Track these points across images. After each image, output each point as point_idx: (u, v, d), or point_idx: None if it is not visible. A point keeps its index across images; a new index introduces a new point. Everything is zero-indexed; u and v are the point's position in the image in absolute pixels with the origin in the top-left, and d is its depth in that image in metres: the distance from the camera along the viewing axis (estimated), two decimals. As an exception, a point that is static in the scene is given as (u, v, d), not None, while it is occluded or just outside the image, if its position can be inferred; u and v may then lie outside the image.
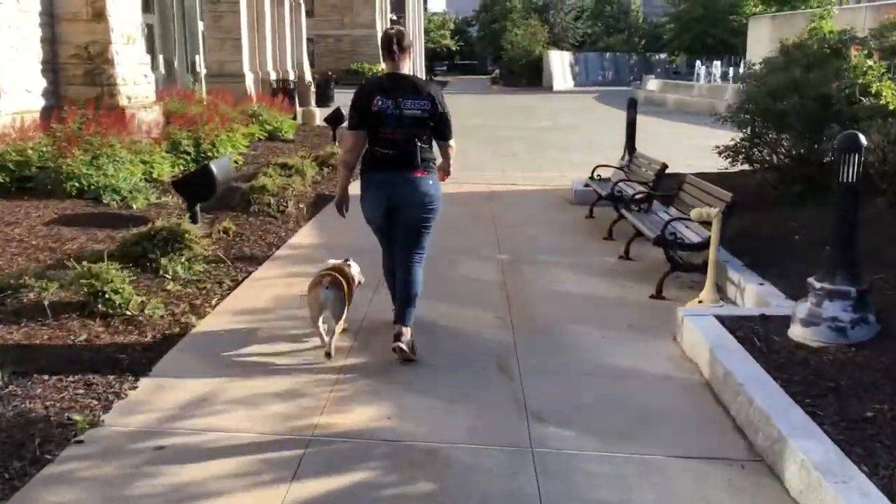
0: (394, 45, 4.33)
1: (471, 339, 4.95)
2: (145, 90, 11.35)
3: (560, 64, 51.64)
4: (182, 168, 10.21)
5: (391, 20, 59.62)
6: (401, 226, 4.47)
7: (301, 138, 16.06)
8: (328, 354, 4.41)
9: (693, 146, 15.56)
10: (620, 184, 8.12)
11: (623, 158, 10.56)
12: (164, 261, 5.84)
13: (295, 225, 8.17)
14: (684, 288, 6.08)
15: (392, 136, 4.29)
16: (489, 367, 4.49)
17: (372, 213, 4.50)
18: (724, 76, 31.24)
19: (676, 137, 17.34)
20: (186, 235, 5.92)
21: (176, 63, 21.88)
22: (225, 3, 18.98)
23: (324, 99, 26.67)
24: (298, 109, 21.61)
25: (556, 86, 49.47)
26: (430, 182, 4.42)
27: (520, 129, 19.40)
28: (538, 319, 5.35)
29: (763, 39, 11.20)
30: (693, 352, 4.64)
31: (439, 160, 4.57)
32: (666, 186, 7.98)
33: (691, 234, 5.95)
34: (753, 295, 5.45)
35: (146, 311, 5.01)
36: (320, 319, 4.44)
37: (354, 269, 4.94)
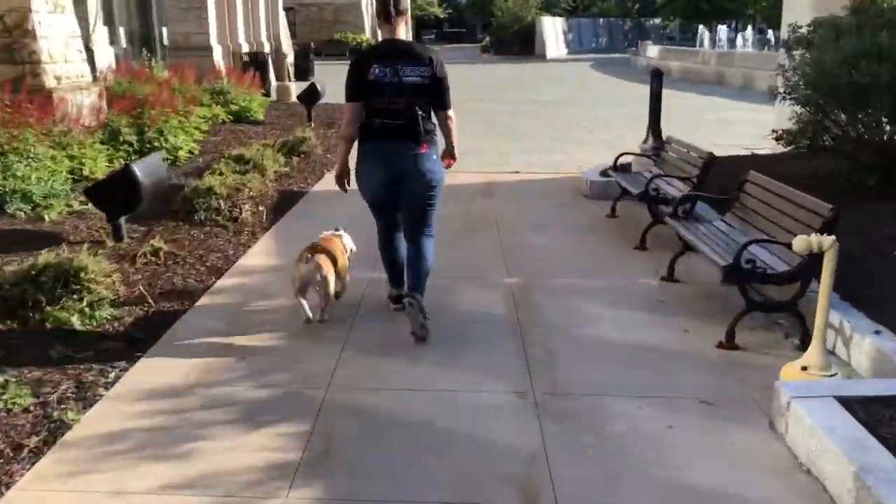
0: (390, 6, 4.14)
1: (478, 443, 3.34)
2: (79, 68, 9.62)
3: (553, 31, 49.62)
4: (124, 161, 8.56)
5: (376, -13, 57.41)
6: (406, 203, 4.36)
7: (273, 119, 14.35)
8: (309, 321, 4.41)
9: (714, 122, 13.94)
10: (657, 180, 6.49)
11: (646, 141, 8.95)
12: (52, 309, 4.24)
13: (249, 237, 6.55)
14: (758, 329, 4.53)
15: (392, 106, 4.09)
16: None
17: (371, 184, 4.32)
18: (732, 42, 29.47)
19: (692, 111, 15.69)
20: (82, 274, 4.29)
21: (138, 36, 20.08)
22: (188, -31, 17.10)
23: (303, 72, 24.84)
24: (274, 84, 19.86)
25: (549, 54, 47.50)
26: (434, 157, 4.29)
27: (516, 103, 17.70)
28: (572, 394, 3.78)
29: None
30: (811, 459, 3.09)
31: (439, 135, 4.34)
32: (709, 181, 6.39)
33: (776, 262, 4.36)
34: (871, 351, 3.89)
35: (3, 404, 3.42)
36: (301, 297, 4.37)
37: (346, 240, 4.85)
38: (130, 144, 8.85)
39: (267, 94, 17.28)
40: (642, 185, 6.84)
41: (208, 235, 6.39)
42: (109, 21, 18.09)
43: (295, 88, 19.98)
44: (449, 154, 4.49)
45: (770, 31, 31.17)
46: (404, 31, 4.29)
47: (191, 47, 17.42)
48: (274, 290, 5.13)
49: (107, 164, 8.19)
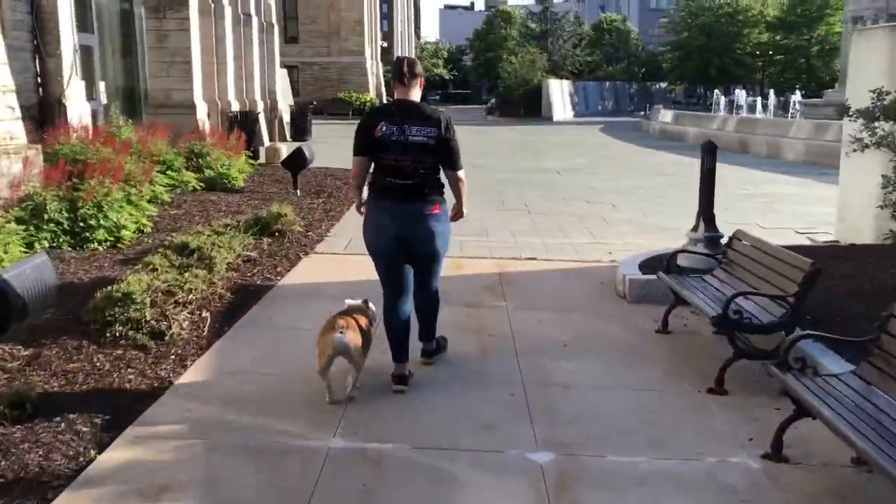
0: (405, 69, 4.30)
1: None
2: (8, 128, 8.00)
3: (560, 93, 48.71)
4: (47, 247, 6.86)
5: (382, 48, 56.91)
6: (414, 261, 4.43)
7: (254, 185, 12.73)
8: (334, 402, 4.13)
9: (753, 198, 12.22)
10: (740, 299, 4.70)
11: (695, 229, 7.23)
12: None
13: (175, 364, 4.77)
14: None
15: (396, 164, 4.17)
16: None
17: (378, 240, 4.36)
18: (752, 107, 28.15)
19: (724, 184, 14.01)
20: None
21: (122, 91, 18.70)
22: (172, 20, 15.74)
23: (300, 132, 23.43)
24: (266, 144, 18.38)
25: (556, 116, 46.46)
26: (443, 217, 4.36)
27: (527, 171, 16.11)
28: None
29: (879, 59, 7.83)
30: None
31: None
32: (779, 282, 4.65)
33: None
34: None
35: None
36: (328, 369, 4.10)
37: (372, 314, 4.56)
38: (58, 224, 7.15)
39: (254, 157, 15.74)
40: (707, 297, 5.11)
41: (117, 364, 4.62)
42: (89, 74, 16.73)
43: (287, 150, 18.51)
44: (457, 211, 4.54)
45: (795, 96, 29.97)
46: (417, 94, 4.35)
47: (172, 104, 15.95)
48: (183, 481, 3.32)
49: (21, 250, 6.48)
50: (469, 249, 8.38)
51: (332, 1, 46.08)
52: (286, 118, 23.68)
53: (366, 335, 4.31)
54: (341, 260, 7.92)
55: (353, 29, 46.60)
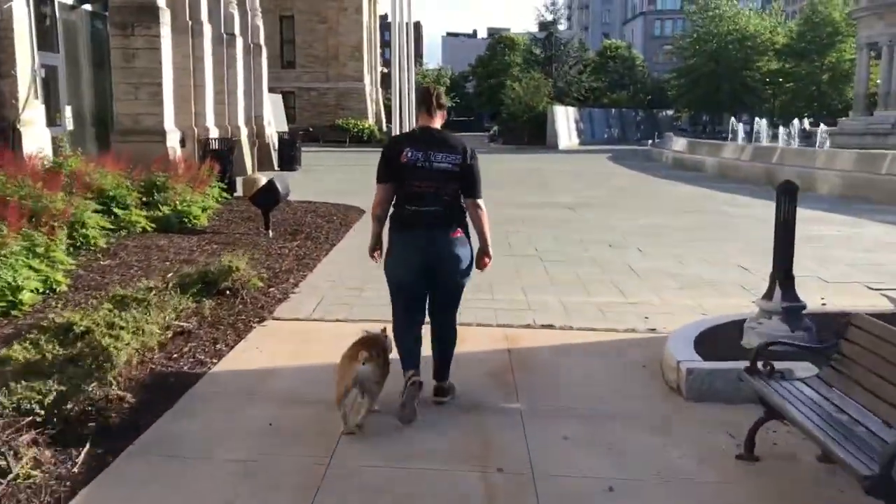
0: (432, 100, 4.37)
1: None
2: None
3: (565, 120, 47.25)
4: None
5: (382, 73, 55.55)
6: (439, 287, 4.41)
7: (220, 224, 11.02)
8: (350, 432, 3.99)
9: (803, 243, 10.30)
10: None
11: (770, 296, 5.46)
12: None
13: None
14: None
15: (421, 190, 4.21)
16: None
17: (403, 273, 4.35)
18: (773, 136, 26.51)
19: (762, 226, 12.28)
20: None
21: (90, 115, 17.08)
22: (140, 37, 14.13)
23: (288, 161, 21.81)
24: (250, 174, 16.72)
25: (562, 144, 44.94)
26: (466, 242, 4.38)
27: (535, 206, 14.38)
28: None
29: None
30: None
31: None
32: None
33: None
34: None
35: None
36: (347, 398, 3.96)
37: (390, 342, 4.42)
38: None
39: (229, 189, 14.06)
40: (823, 420, 3.35)
41: None
42: (53, 97, 15.13)
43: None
44: (483, 252, 4.49)
45: (803, 124, 28.47)
46: (440, 123, 4.41)
47: (140, 131, 14.32)
48: None
49: None
50: (470, 313, 6.61)
51: (330, 25, 44.84)
52: (275, 145, 22.07)
53: (385, 366, 4.23)
54: (305, 331, 6.15)
55: (352, 54, 45.29)
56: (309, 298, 7.09)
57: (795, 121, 29.67)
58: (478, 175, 4.36)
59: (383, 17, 52.90)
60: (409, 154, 4.22)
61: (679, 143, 29.45)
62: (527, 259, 9.07)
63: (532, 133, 45.17)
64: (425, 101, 4.38)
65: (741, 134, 27.26)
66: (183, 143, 16.23)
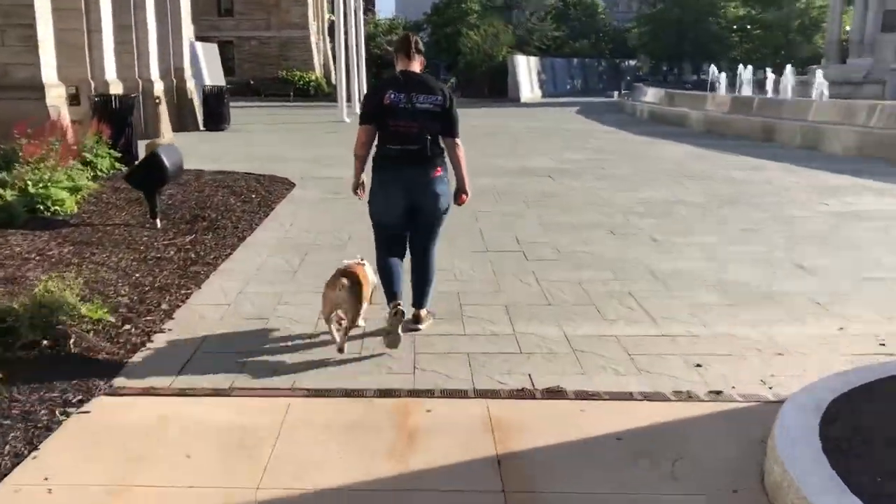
0: (412, 46, 4.49)
1: None
2: None
3: (527, 71, 44.50)
4: None
5: (330, 21, 51.78)
6: (419, 223, 4.59)
7: (97, 210, 8.25)
8: (340, 350, 4.29)
9: (863, 222, 7.88)
10: None
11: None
12: None
13: None
14: None
15: (404, 130, 4.37)
16: None
17: (386, 211, 4.54)
18: (761, 85, 24.11)
19: (801, 196, 9.96)
20: None
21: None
22: (4, -35, 11.06)
23: (215, 120, 18.83)
24: (158, 140, 13.81)
25: (524, 96, 42.29)
26: (446, 180, 4.56)
27: (507, 174, 11.84)
28: None
29: None
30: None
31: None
32: None
33: None
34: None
35: None
36: (333, 319, 4.41)
37: (368, 270, 4.72)
38: None
39: (126, 158, 11.25)
40: None
41: None
42: None
43: (192, 142, 14.01)
44: (461, 190, 4.67)
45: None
46: (418, 67, 4.54)
47: (11, 85, 11.33)
48: None
49: None
50: (428, 361, 4.23)
51: (271, -33, 41.10)
52: (197, 101, 19.04)
53: (361, 292, 4.43)
54: (152, 422, 3.60)
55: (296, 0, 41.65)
56: (179, 345, 4.54)
57: (788, 69, 27.43)
58: (457, 116, 4.52)
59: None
60: (392, 96, 4.36)
61: (653, 95, 27.07)
62: (507, 258, 6.57)
63: (492, 85, 42.41)
64: (404, 46, 4.50)
65: (722, 82, 24.97)
66: (76, 100, 13.28)
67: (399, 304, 4.34)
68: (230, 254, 6.64)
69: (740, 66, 26.85)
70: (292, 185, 10.35)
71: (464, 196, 4.68)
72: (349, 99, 26.99)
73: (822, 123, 15.44)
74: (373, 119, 4.42)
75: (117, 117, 11.58)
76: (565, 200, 9.31)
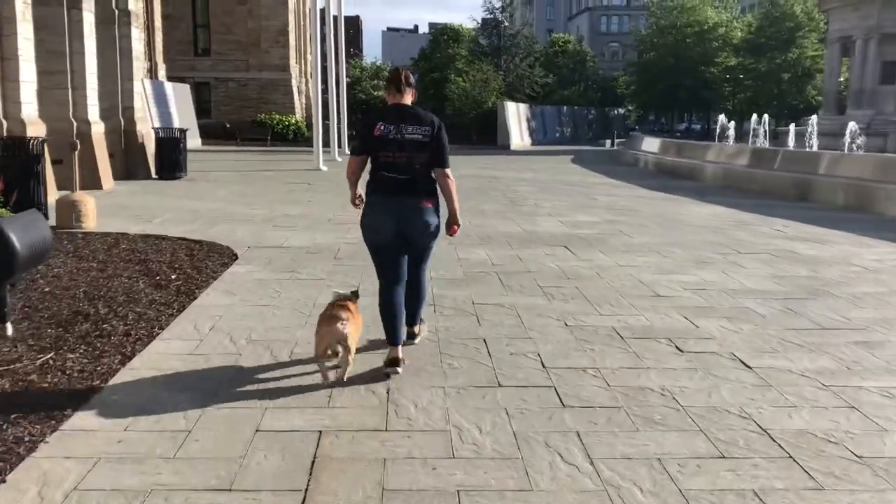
0: (402, 80, 4.65)
1: None
2: None
3: (517, 118, 42.67)
4: None
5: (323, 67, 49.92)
6: (409, 250, 4.69)
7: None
8: (333, 384, 4.29)
9: None
10: None
11: None
12: None
13: None
14: None
15: (393, 160, 4.50)
16: None
17: (377, 235, 4.65)
18: (774, 135, 22.08)
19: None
20: None
21: None
22: None
23: (169, 167, 16.43)
24: (72, 195, 11.44)
25: (513, 144, 40.37)
26: (433, 210, 4.62)
27: (514, 244, 9.49)
28: None
29: None
30: None
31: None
32: None
33: None
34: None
35: None
36: (325, 356, 4.37)
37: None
38: None
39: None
40: None
41: None
42: None
43: (132, 193, 11.64)
44: (452, 221, 4.76)
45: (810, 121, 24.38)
46: (409, 100, 4.67)
47: None
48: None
49: None
50: None
51: (250, 7, 39.24)
52: (150, 148, 16.67)
53: (357, 325, 4.53)
54: None
55: (276, 40, 39.77)
56: None
57: (814, 119, 25.77)
58: (446, 145, 4.62)
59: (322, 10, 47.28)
60: (382, 128, 4.51)
61: (654, 145, 25.05)
62: (532, 405, 4.14)
63: (481, 132, 40.47)
64: (395, 80, 4.65)
65: (731, 133, 23.03)
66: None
67: (398, 355, 4.53)
68: (95, 391, 4.19)
69: (754, 116, 24.94)
70: (234, 256, 7.94)
71: (455, 227, 4.79)
72: (327, 145, 24.81)
73: (867, 181, 13.29)
74: (364, 150, 4.61)
75: (17, 166, 9.17)
76: (594, 287, 6.93)
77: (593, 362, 4.84)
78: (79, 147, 9.21)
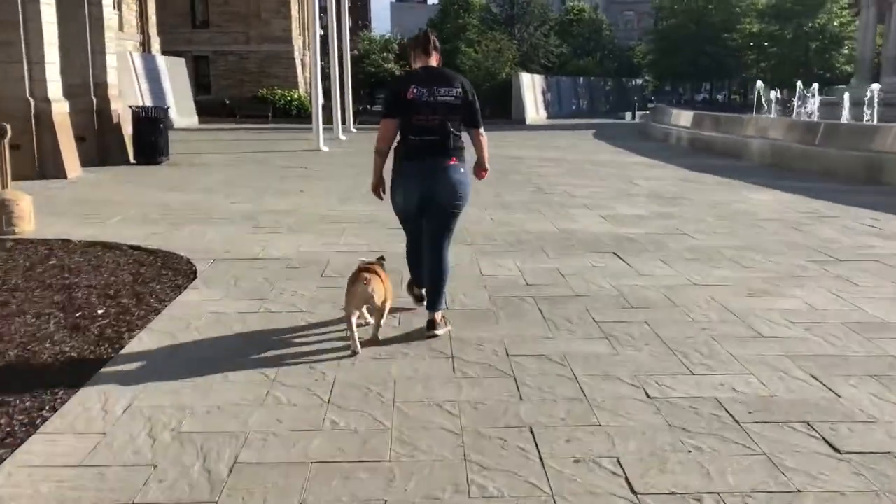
0: (431, 44, 4.69)
1: None
2: None
3: (531, 90, 40.53)
4: None
5: (321, 35, 47.75)
6: (434, 211, 4.65)
7: None
8: (354, 353, 4.27)
9: None
10: None
11: None
12: None
13: None
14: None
15: (426, 122, 4.51)
16: None
17: (406, 202, 4.68)
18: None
19: None
20: None
21: None
22: None
23: (148, 151, 14.63)
24: (4, 193, 9.75)
25: (529, 118, 38.31)
26: (462, 170, 4.65)
27: (544, 251, 7.63)
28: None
29: None
30: None
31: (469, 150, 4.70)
32: None
33: None
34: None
35: None
36: (355, 316, 4.41)
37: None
38: None
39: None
40: None
41: None
42: None
43: (98, 183, 9.92)
44: (480, 166, 4.84)
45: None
46: (436, 63, 4.70)
47: None
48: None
49: None
50: None
51: (249, -25, 37.19)
52: (128, 129, 14.86)
53: (386, 288, 4.53)
54: None
55: (278, 10, 37.72)
56: None
57: (814, 86, 23.79)
58: (477, 107, 4.68)
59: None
60: (415, 90, 4.49)
61: (686, 118, 23.01)
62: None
63: (494, 105, 38.38)
64: (423, 43, 4.67)
65: (773, 103, 20.97)
66: None
67: (434, 321, 4.69)
68: None
69: (799, 83, 22.83)
70: (192, 274, 6.15)
71: (483, 172, 4.84)
72: (330, 121, 22.96)
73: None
74: (396, 113, 4.55)
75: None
76: (671, 322, 5.08)
77: (708, 479, 3.02)
78: (9, 133, 7.41)
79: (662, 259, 6.89)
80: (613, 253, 7.14)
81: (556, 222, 8.78)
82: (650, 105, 47.88)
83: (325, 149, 18.79)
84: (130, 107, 14.81)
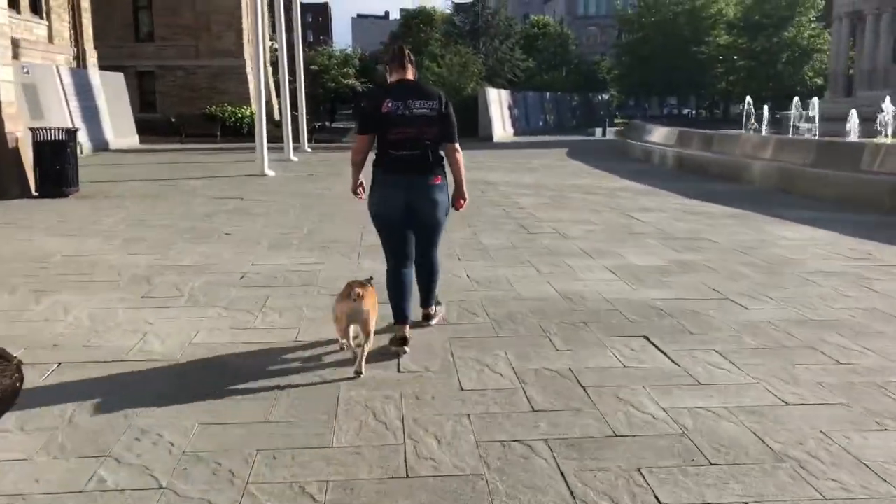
0: (405, 57, 4.60)
1: None
2: None
3: (498, 106, 38.67)
4: None
5: (273, 49, 45.54)
6: (417, 228, 4.64)
7: None
8: (358, 373, 4.14)
9: None
10: None
11: None
12: None
13: None
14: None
15: (402, 136, 4.44)
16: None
17: (386, 212, 4.59)
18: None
19: None
20: None
21: None
22: None
23: (54, 180, 12.30)
24: None
25: (496, 135, 36.39)
26: (443, 187, 4.61)
27: (543, 332, 5.60)
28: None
29: None
30: None
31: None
32: None
33: None
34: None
35: None
36: (350, 332, 4.31)
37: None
38: None
39: None
40: None
41: None
42: None
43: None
44: (459, 195, 4.75)
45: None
46: (411, 77, 4.59)
47: None
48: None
49: None
50: None
51: (197, -14, 34.88)
52: (28, 155, 12.48)
53: (374, 305, 4.42)
54: None
55: (229, 23, 35.43)
56: None
57: (814, 101, 22.35)
58: (454, 121, 4.60)
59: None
60: (390, 104, 4.43)
61: (668, 135, 21.24)
62: None
63: (460, 122, 36.18)
64: (398, 56, 4.60)
65: (765, 122, 19.32)
66: None
67: (405, 334, 4.53)
68: None
69: (795, 99, 21.22)
70: (13, 397, 3.94)
71: (461, 201, 4.77)
72: (281, 139, 20.79)
73: None
74: (372, 128, 4.52)
75: None
76: (781, 494, 3.04)
77: None
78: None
79: (715, 349, 4.82)
80: (644, 337, 5.05)
81: (554, 281, 6.67)
82: (618, 120, 46.48)
83: (271, 173, 16.57)
84: (31, 129, 12.45)
